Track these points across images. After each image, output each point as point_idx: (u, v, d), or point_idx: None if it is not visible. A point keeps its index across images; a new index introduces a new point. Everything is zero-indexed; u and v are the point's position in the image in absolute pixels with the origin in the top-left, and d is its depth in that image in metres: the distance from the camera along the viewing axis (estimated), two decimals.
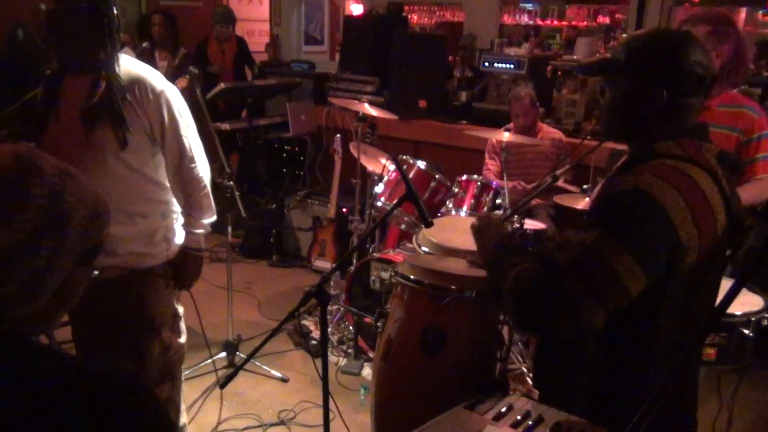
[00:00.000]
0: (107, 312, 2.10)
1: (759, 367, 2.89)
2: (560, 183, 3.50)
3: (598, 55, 4.28)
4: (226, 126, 5.02)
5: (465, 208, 3.52)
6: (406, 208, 3.24)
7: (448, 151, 4.74)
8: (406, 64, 4.99)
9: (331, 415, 2.01)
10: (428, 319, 2.00)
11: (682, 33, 1.46)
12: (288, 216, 5.06)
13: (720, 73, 2.25)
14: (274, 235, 5.01)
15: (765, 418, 3.19)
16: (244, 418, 3.03)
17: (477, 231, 1.67)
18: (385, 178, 3.74)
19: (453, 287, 1.98)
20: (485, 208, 3.55)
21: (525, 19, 6.76)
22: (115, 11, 2.02)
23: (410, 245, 3.42)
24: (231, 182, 3.21)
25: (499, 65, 4.88)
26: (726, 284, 1.64)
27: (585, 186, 3.46)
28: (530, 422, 1.44)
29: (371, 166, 4.05)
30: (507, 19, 6.46)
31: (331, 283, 3.89)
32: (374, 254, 3.62)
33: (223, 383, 1.99)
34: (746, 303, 2.29)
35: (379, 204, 3.65)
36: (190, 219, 2.25)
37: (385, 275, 3.42)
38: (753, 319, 2.23)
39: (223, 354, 3.44)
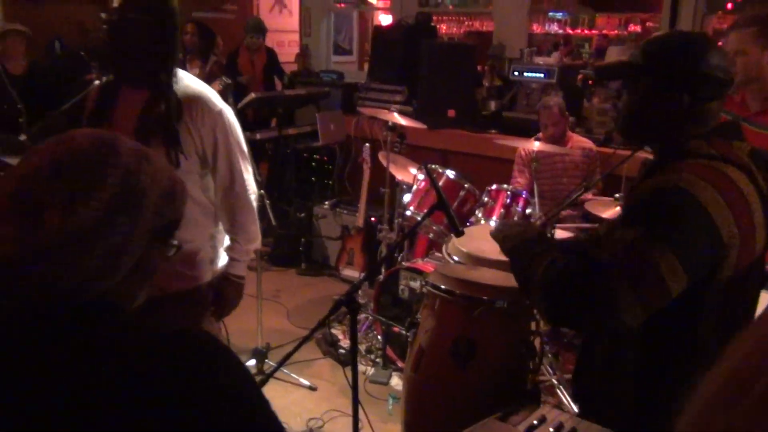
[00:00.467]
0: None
1: None
2: (588, 196, 3.47)
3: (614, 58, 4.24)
4: (256, 135, 5.08)
5: (495, 217, 3.50)
6: (436, 217, 3.23)
7: (476, 161, 4.72)
8: (435, 74, 4.99)
9: (359, 425, 2.01)
10: (459, 329, 1.98)
11: (701, 36, 1.45)
12: (316, 225, 5.08)
13: None
14: (302, 243, 5.04)
15: None
16: None
17: (496, 230, 1.66)
18: (414, 188, 3.74)
19: (484, 297, 1.97)
20: (515, 218, 3.52)
21: (555, 28, 6.73)
22: (178, 28, 1.99)
23: (439, 254, 3.40)
24: (261, 191, 3.24)
25: (529, 74, 4.86)
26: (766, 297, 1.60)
27: (617, 195, 3.42)
28: None
29: (400, 175, 4.06)
30: (536, 29, 6.43)
31: (359, 291, 3.89)
32: (403, 263, 3.62)
33: None
34: None
35: (407, 213, 3.65)
36: (235, 245, 2.16)
37: (414, 284, 3.41)
38: None
39: (253, 361, 3.45)
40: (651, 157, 1.54)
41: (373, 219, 4.57)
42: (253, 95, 5.02)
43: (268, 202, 3.27)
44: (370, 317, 3.75)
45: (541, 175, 3.79)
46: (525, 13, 5.75)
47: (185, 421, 0.81)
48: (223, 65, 5.79)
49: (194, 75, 2.19)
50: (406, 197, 3.79)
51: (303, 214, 5.14)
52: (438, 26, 6.10)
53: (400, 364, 3.45)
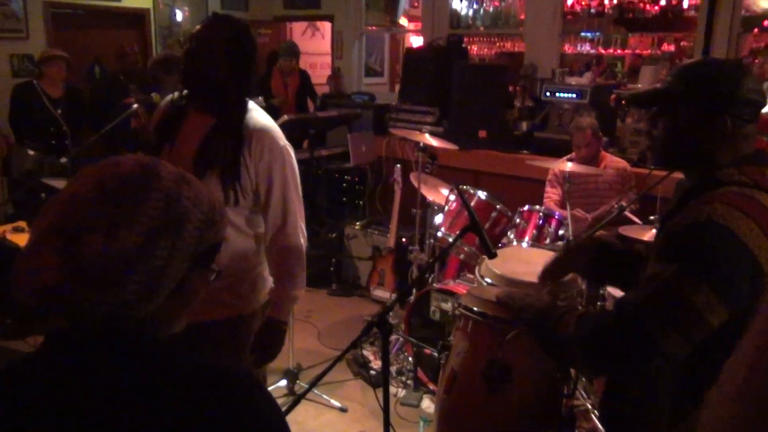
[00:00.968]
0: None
1: None
2: (626, 213, 3.42)
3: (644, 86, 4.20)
4: None
5: (527, 238, 3.47)
6: (467, 238, 3.22)
7: (508, 181, 4.70)
8: (466, 95, 5.00)
9: None
10: (492, 353, 1.96)
11: (735, 62, 1.47)
12: (348, 245, 5.10)
13: None
14: (333, 264, 5.06)
15: None
16: None
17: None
18: (446, 208, 3.73)
19: (518, 320, 1.95)
20: (548, 239, 3.49)
21: (587, 48, 6.69)
22: (255, 59, 1.95)
23: (470, 276, 3.38)
24: None
25: (561, 95, 4.84)
26: None
27: (651, 217, 3.37)
28: None
29: (431, 196, 4.06)
30: (568, 49, 6.40)
31: (390, 313, 3.88)
32: (434, 285, 3.60)
33: (284, 412, 2.00)
34: None
35: (439, 234, 3.64)
36: (280, 289, 2.07)
37: (445, 306, 3.39)
38: None
39: (284, 382, 3.46)
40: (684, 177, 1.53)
41: (404, 240, 4.57)
42: (286, 117, 5.10)
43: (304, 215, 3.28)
44: (401, 338, 3.74)
45: (573, 195, 3.75)
46: (556, 34, 5.74)
47: None
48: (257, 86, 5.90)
49: None
50: (438, 218, 3.78)
51: (334, 235, 5.17)
52: (469, 47, 6.12)
53: (431, 386, 3.43)
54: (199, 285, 0.95)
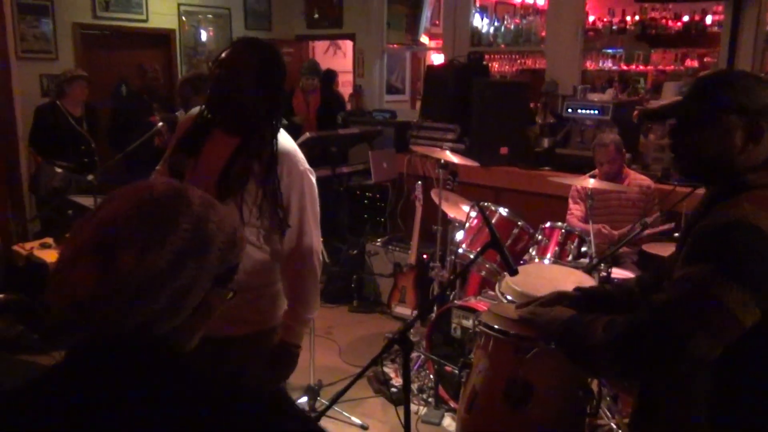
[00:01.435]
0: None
1: None
2: (648, 231, 3.38)
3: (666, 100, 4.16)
4: None
5: (549, 255, 3.45)
6: (489, 255, 3.20)
7: (530, 198, 4.68)
8: (487, 111, 5.01)
9: None
10: (513, 371, 1.95)
11: (750, 72, 1.46)
12: (369, 262, 5.11)
13: None
14: (354, 280, 5.07)
15: None
16: None
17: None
18: (467, 225, 3.73)
19: (539, 338, 1.94)
20: (570, 256, 3.46)
21: (608, 64, 6.67)
22: (284, 84, 1.94)
23: (492, 293, 3.37)
24: None
25: (583, 111, 4.82)
26: None
27: (676, 234, 3.32)
28: None
29: (452, 213, 4.05)
30: (590, 65, 6.39)
31: (411, 329, 3.87)
32: (455, 302, 3.59)
33: None
34: None
35: (460, 251, 3.63)
36: (294, 312, 2.07)
37: (466, 323, 3.38)
38: None
39: (305, 399, 3.46)
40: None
41: (425, 256, 4.56)
42: (308, 134, 5.14)
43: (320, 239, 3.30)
44: (422, 356, 3.72)
45: (595, 213, 3.72)
46: (578, 50, 5.73)
47: None
48: None
49: None
50: (459, 235, 3.78)
51: (355, 251, 5.18)
52: (490, 64, 6.13)
53: (452, 404, 3.40)
54: (218, 303, 0.99)
